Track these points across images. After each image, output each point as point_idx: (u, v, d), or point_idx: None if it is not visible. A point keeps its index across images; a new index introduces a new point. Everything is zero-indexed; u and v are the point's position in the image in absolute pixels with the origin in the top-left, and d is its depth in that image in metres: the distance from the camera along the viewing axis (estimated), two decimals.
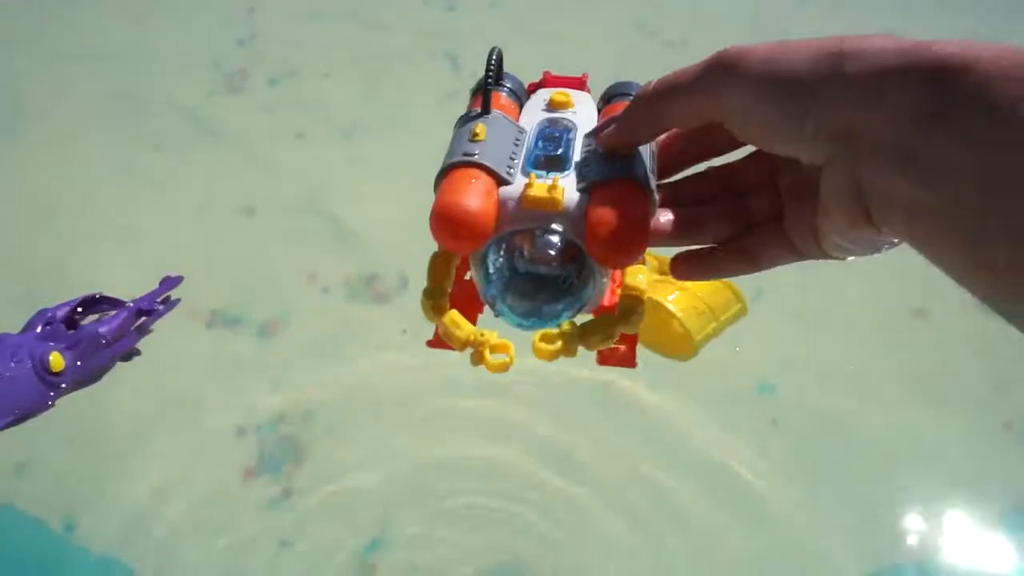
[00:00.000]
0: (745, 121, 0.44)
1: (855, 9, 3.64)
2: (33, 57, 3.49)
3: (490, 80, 0.72)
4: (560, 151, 0.66)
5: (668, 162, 0.58)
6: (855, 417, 2.22)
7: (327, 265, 2.64)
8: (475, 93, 0.77)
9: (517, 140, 0.69)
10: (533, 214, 0.59)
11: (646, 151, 0.65)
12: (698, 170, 0.56)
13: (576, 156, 0.66)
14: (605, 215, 0.55)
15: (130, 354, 1.05)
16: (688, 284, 1.58)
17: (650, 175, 0.62)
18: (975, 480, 2.11)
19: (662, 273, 1.61)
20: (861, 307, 2.47)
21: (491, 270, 0.60)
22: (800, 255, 0.49)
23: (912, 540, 2.01)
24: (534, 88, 0.91)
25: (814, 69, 0.39)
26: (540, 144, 0.68)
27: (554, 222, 0.59)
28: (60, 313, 0.96)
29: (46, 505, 2.09)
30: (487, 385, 2.25)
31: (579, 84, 0.88)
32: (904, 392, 2.28)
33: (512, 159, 0.66)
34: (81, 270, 2.63)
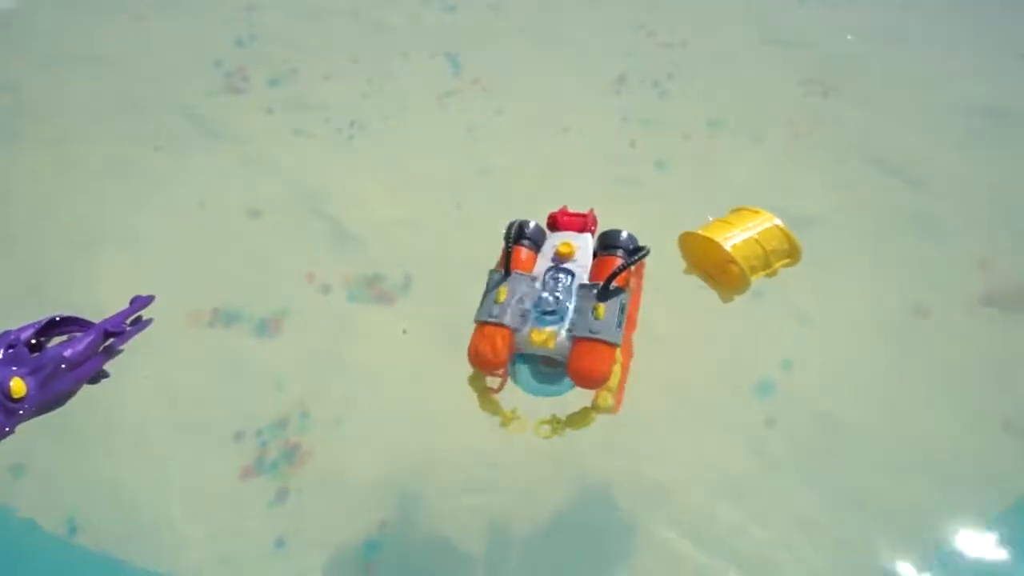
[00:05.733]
0: None
1: (855, 9, 3.64)
2: (33, 57, 3.50)
3: (509, 246, 1.47)
4: (558, 308, 1.43)
5: None
6: (854, 417, 2.21)
7: (327, 265, 2.65)
8: (506, 240, 1.53)
9: (530, 289, 1.46)
10: (536, 348, 1.42)
11: (615, 306, 1.45)
12: None
13: (571, 307, 1.43)
14: (580, 365, 1.38)
15: (97, 377, 1.03)
16: (750, 227, 1.63)
17: (619, 326, 1.39)
18: (974, 479, 2.10)
19: (732, 214, 1.67)
20: (861, 307, 2.47)
21: (515, 364, 1.43)
22: None
23: (911, 538, 2.00)
24: (554, 218, 1.66)
25: None
26: (546, 293, 1.44)
27: (549, 354, 1.40)
28: (24, 335, 0.94)
29: (49, 506, 2.09)
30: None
31: (582, 224, 1.61)
32: (904, 392, 2.28)
33: (525, 310, 1.45)
34: (81, 270, 2.63)
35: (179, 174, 2.97)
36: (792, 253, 1.67)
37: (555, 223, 1.76)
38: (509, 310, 1.43)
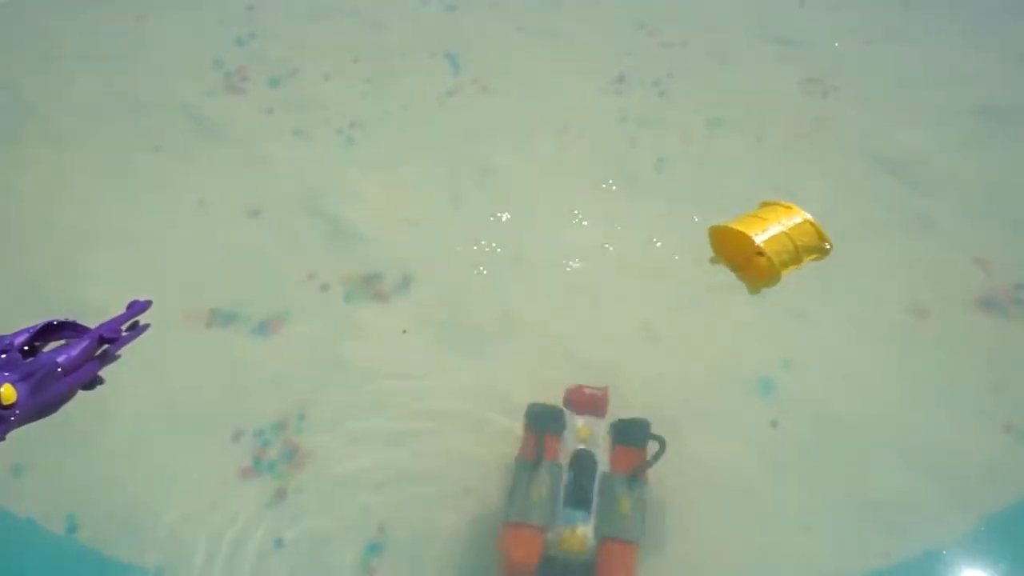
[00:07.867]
0: None
1: (855, 9, 3.64)
2: (33, 57, 3.50)
3: (542, 436, 1.69)
4: (583, 501, 1.62)
5: None
6: (854, 417, 2.22)
7: (327, 264, 2.65)
8: (529, 427, 1.76)
9: (557, 480, 1.66)
10: (567, 554, 1.64)
11: (638, 498, 1.67)
12: None
13: (595, 500, 1.65)
14: (605, 569, 1.62)
15: (92, 383, 1.03)
16: (782, 221, 1.65)
17: (641, 520, 1.60)
18: (975, 479, 2.10)
19: (763, 209, 1.69)
20: (861, 307, 2.47)
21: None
22: None
23: (911, 537, 2.00)
24: (570, 399, 1.80)
25: None
26: (571, 482, 1.66)
27: (579, 558, 1.66)
28: (18, 340, 0.94)
29: (48, 506, 2.09)
30: (486, 389, 2.24)
31: (595, 404, 1.76)
32: (904, 392, 2.28)
33: (555, 504, 1.64)
34: (81, 269, 2.64)
35: (179, 174, 2.97)
36: (822, 248, 1.68)
37: (571, 403, 1.93)
38: (541, 508, 1.66)
